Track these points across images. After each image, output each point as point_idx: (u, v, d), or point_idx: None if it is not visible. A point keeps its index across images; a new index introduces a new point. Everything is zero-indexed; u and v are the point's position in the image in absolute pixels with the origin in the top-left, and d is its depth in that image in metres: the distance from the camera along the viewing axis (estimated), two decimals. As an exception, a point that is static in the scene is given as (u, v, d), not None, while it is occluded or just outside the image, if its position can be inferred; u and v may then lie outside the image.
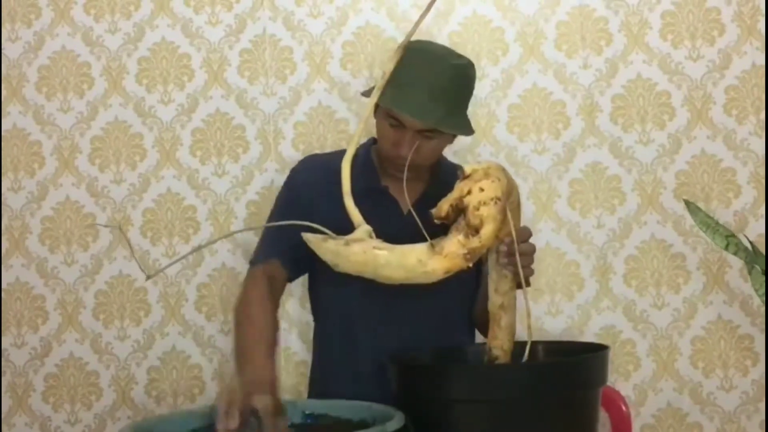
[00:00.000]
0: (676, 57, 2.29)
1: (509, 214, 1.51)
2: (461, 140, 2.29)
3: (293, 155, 2.33)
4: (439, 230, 1.50)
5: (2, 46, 2.40)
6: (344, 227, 1.52)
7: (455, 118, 1.72)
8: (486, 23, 2.33)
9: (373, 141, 1.91)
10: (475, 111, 2.30)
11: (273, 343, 1.64)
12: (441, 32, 2.33)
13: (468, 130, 1.76)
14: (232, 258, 2.33)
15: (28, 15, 2.40)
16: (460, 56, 1.76)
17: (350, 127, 2.32)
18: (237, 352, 1.63)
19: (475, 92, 2.28)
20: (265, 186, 2.33)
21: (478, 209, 1.43)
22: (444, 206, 1.47)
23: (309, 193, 1.83)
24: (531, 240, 1.60)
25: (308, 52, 2.35)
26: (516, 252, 1.52)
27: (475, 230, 1.43)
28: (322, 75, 2.35)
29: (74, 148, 2.37)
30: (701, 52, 2.29)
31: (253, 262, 1.86)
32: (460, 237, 1.43)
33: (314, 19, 2.36)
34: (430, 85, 1.66)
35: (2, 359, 2.35)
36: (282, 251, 1.80)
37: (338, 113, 2.33)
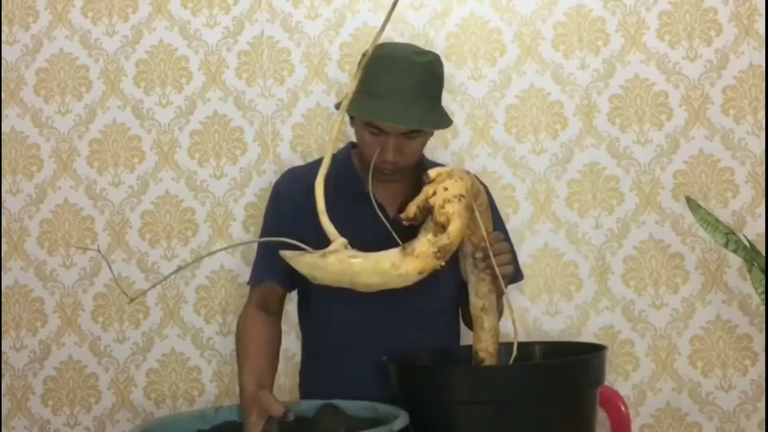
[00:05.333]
0: (673, 57, 2.30)
1: (479, 217, 1.53)
2: (460, 141, 2.30)
3: (291, 157, 2.33)
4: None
5: (0, 49, 2.40)
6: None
7: (433, 114, 1.73)
8: (483, 24, 2.33)
9: (352, 145, 1.92)
10: (472, 112, 2.31)
11: (259, 352, 1.74)
12: (438, 33, 2.33)
13: (447, 122, 1.76)
14: (230, 260, 2.33)
15: (26, 18, 2.41)
16: (424, 52, 1.75)
17: (348, 128, 2.32)
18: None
19: (472, 93, 2.31)
20: (264, 188, 2.33)
21: (443, 207, 1.46)
22: (411, 208, 1.50)
23: (295, 205, 1.84)
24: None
25: (306, 53, 2.35)
26: (490, 253, 1.54)
27: (443, 228, 1.46)
28: (319, 76, 2.35)
29: (72, 150, 2.38)
30: (698, 52, 2.29)
31: (251, 283, 1.90)
32: (429, 236, 1.46)
33: (312, 21, 2.36)
34: (402, 89, 1.66)
35: (1, 362, 2.35)
36: (275, 272, 1.83)
37: (336, 115, 2.33)
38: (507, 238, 1.93)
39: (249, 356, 1.71)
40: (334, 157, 1.85)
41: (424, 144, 1.79)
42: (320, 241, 1.51)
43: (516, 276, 1.94)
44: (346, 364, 1.82)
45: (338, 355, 1.84)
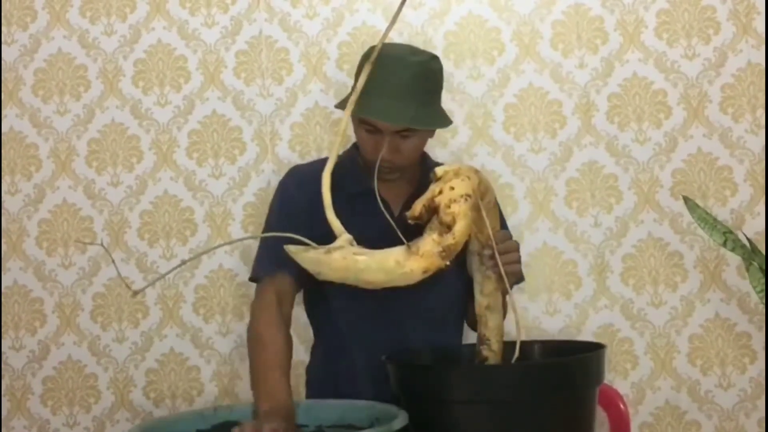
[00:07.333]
0: (671, 55, 2.30)
1: (485, 215, 1.53)
2: (459, 140, 2.30)
3: (290, 156, 2.33)
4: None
5: (-2, 49, 2.40)
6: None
7: (427, 113, 1.72)
8: (482, 23, 2.33)
9: (356, 146, 1.91)
10: (471, 111, 2.31)
11: (286, 365, 1.66)
12: (437, 32, 2.33)
13: (443, 123, 1.76)
14: (229, 259, 2.33)
15: (24, 18, 2.40)
16: (421, 52, 1.76)
17: (347, 127, 2.32)
18: (252, 378, 1.65)
19: (471, 92, 2.31)
20: (262, 187, 2.33)
21: (449, 207, 1.46)
22: (417, 207, 1.50)
23: (304, 201, 1.82)
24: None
25: (304, 53, 2.35)
26: (495, 252, 1.54)
27: (448, 227, 1.46)
28: (318, 76, 2.35)
29: (71, 150, 2.37)
30: (697, 51, 2.29)
31: (257, 278, 1.82)
32: (435, 236, 1.46)
33: (310, 20, 2.36)
34: (394, 87, 1.67)
35: (0, 362, 2.35)
36: (289, 264, 1.71)
37: (335, 114, 2.33)
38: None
39: (269, 371, 1.60)
40: (339, 157, 1.82)
41: (422, 143, 1.79)
42: (329, 239, 1.51)
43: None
44: (356, 363, 1.81)
45: (348, 353, 1.82)
